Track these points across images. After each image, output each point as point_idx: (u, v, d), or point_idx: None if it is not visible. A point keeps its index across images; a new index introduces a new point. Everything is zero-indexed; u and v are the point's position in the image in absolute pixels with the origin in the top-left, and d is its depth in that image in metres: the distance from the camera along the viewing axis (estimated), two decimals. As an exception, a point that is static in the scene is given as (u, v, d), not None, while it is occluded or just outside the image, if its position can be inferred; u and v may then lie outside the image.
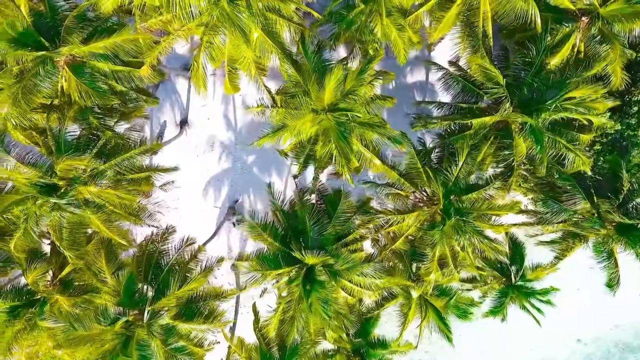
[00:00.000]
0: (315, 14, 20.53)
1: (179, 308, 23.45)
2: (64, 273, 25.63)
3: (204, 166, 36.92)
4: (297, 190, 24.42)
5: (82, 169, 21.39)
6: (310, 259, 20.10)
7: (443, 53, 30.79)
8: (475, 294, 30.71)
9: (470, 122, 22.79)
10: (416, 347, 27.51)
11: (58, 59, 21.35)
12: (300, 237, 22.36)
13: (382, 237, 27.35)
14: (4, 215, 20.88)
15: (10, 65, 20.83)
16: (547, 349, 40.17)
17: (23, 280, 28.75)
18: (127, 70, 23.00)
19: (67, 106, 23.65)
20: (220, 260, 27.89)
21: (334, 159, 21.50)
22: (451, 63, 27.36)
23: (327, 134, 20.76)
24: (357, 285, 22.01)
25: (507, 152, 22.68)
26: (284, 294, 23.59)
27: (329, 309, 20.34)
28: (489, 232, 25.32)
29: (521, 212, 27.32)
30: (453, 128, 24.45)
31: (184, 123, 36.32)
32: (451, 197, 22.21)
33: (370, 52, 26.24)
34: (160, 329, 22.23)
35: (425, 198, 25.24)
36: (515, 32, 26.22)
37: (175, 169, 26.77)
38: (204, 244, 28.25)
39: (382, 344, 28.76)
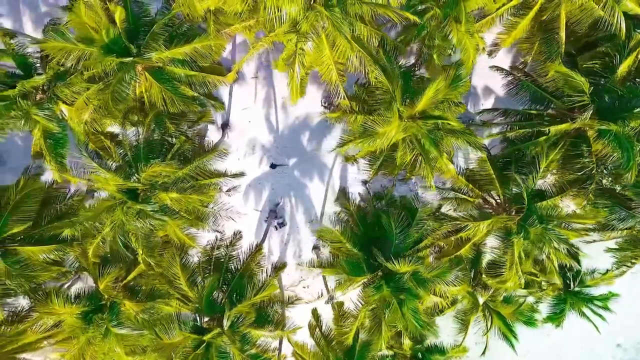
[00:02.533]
0: (413, 17, 20.39)
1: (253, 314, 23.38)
2: (129, 278, 25.54)
3: (245, 169, 37.03)
4: (370, 196, 24.25)
5: (163, 175, 21.28)
6: (403, 267, 19.97)
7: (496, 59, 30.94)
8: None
9: (548, 129, 22.69)
10: (484, 353, 27.40)
11: (138, 65, 21.31)
12: (378, 243, 22.30)
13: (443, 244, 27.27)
14: (88, 222, 20.72)
15: (96, 72, 20.71)
16: (585, 353, 40.10)
17: (79, 285, 28.77)
18: (202, 76, 22.94)
19: (137, 111, 23.67)
20: (283, 265, 27.87)
21: (418, 165, 21.37)
22: (514, 68, 27.30)
23: (411, 140, 20.66)
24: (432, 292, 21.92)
25: (586, 160, 22.56)
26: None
27: (420, 318, 20.24)
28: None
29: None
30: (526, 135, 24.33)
31: (225, 126, 36.26)
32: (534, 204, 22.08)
33: (435, 57, 26.21)
34: (237, 336, 22.12)
35: (495, 204, 25.19)
36: (581, 38, 26.16)
37: (242, 174, 26.64)
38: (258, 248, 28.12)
39: (439, 350, 28.68)
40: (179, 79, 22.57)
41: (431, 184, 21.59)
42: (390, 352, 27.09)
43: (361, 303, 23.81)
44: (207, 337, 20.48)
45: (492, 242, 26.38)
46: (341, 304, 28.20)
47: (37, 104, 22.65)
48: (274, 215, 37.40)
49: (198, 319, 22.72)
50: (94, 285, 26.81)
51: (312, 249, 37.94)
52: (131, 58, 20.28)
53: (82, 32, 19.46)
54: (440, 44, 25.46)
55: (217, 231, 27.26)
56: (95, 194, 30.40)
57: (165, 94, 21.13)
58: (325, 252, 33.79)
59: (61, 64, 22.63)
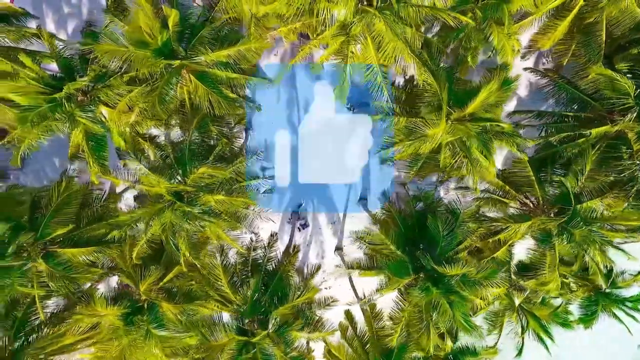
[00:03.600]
0: (464, 19, 20.42)
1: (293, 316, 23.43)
2: (166, 280, 25.52)
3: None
4: (410, 197, 24.26)
5: (206, 176, 21.30)
6: (454, 270, 20.01)
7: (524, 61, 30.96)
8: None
9: (589, 132, 22.74)
10: (520, 354, 27.44)
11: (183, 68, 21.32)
12: (418, 245, 22.34)
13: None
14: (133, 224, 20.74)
15: (138, 74, 20.73)
16: (606, 354, 40.11)
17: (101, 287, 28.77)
18: (244, 78, 22.94)
19: (176, 114, 23.70)
20: (318, 268, 27.92)
21: (464, 167, 21.40)
22: (547, 70, 27.36)
23: (456, 142, 20.72)
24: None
25: (628, 162, 22.62)
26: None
27: (469, 320, 20.29)
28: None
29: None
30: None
31: (249, 128, 36.35)
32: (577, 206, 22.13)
33: (469, 59, 26.25)
34: (281, 338, 22.14)
35: (532, 206, 25.23)
36: (617, 40, 26.22)
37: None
38: (293, 251, 28.12)
39: (471, 351, 28.68)
40: (220, 81, 22.58)
41: (476, 186, 21.62)
42: (422, 354, 27.16)
43: (400, 305, 23.88)
44: (255, 339, 20.46)
45: (522, 244, 26.53)
46: (373, 305, 28.25)
47: (80, 106, 22.66)
48: (297, 217, 37.49)
49: (243, 321, 22.72)
50: (120, 287, 26.92)
51: (335, 250, 38.02)
52: (180, 61, 20.26)
53: (135, 35, 19.43)
54: (476, 46, 25.50)
55: (253, 232, 27.27)
56: (124, 195, 30.65)
57: (211, 97, 21.13)
58: (351, 253, 34.09)
59: (102, 65, 22.77)
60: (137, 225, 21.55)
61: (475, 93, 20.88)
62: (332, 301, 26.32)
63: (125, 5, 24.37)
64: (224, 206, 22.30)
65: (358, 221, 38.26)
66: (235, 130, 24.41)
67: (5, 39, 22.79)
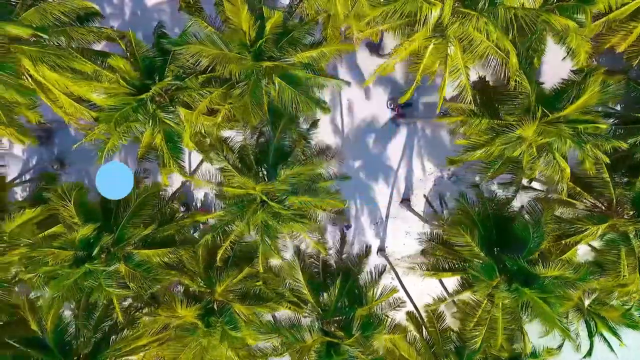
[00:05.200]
0: (571, 23, 20.48)
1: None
2: (236, 280, 25.46)
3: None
4: (486, 198, 24.20)
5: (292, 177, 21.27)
6: (550, 271, 20.04)
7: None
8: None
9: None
10: (591, 353, 27.43)
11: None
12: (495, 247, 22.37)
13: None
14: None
15: (235, 76, 20.73)
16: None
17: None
18: (323, 79, 22.93)
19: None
20: (383, 270, 27.86)
21: (550, 167, 21.41)
22: (615, 72, 27.35)
23: (543, 145, 20.75)
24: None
25: None
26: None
27: (563, 321, 20.31)
28: None
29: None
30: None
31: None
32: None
33: (535, 61, 26.24)
34: (363, 340, 22.12)
35: (604, 208, 25.26)
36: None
37: (348, 177, 26.65)
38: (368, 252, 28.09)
39: (532, 353, 28.64)
40: (300, 82, 22.58)
41: (563, 186, 21.65)
42: (481, 355, 27.16)
43: (476, 305, 23.86)
44: (346, 342, 20.43)
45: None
46: (435, 306, 28.23)
47: (160, 107, 22.65)
48: (342, 218, 37.50)
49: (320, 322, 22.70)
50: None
51: (377, 251, 38.04)
52: (273, 62, 20.24)
53: (233, 37, 19.41)
54: (544, 47, 25.49)
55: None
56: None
57: (299, 98, 21.12)
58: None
59: (179, 66, 22.79)
60: (229, 227, 21.41)
61: (560, 95, 21.04)
62: (401, 302, 26.27)
63: (200, 5, 24.43)
64: (307, 207, 22.30)
65: (400, 222, 38.41)
66: (310, 131, 24.40)
67: (85, 40, 22.72)
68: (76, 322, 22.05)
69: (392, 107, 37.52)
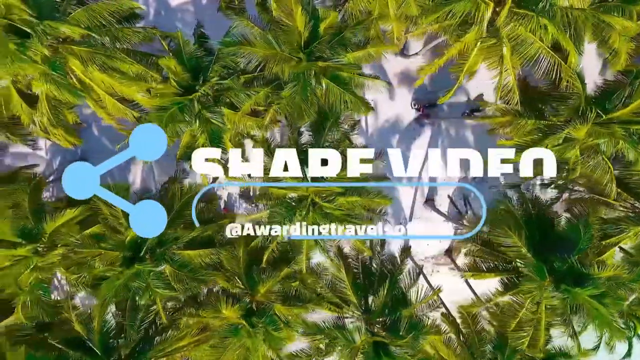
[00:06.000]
0: (631, 25, 20.48)
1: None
2: (274, 281, 25.36)
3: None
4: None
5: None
6: (605, 272, 20.03)
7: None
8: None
9: None
10: (630, 354, 27.42)
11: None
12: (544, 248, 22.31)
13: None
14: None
15: (285, 77, 20.71)
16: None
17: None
18: (371, 79, 22.90)
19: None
20: (419, 272, 27.80)
21: (599, 169, 21.41)
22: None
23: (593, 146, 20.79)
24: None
25: None
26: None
27: (618, 321, 20.32)
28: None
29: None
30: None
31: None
32: None
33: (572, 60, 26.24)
34: (415, 341, 22.10)
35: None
36: None
37: (387, 178, 26.58)
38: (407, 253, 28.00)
39: (564, 353, 28.63)
40: (346, 82, 22.54)
41: (613, 188, 21.65)
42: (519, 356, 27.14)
43: (519, 306, 23.83)
44: (397, 343, 20.42)
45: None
46: (470, 307, 28.20)
47: (205, 107, 22.59)
48: (366, 218, 37.45)
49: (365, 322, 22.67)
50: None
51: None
52: (324, 62, 20.20)
53: (288, 37, 19.35)
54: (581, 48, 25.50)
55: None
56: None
57: (348, 98, 21.06)
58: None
59: (223, 66, 22.74)
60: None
61: (608, 96, 21.07)
62: (441, 303, 26.23)
63: (243, 5, 24.37)
64: (352, 208, 22.27)
65: (424, 222, 38.40)
66: (353, 132, 24.37)
67: (128, 40, 22.64)
68: (123, 323, 21.93)
69: (416, 107, 37.43)
